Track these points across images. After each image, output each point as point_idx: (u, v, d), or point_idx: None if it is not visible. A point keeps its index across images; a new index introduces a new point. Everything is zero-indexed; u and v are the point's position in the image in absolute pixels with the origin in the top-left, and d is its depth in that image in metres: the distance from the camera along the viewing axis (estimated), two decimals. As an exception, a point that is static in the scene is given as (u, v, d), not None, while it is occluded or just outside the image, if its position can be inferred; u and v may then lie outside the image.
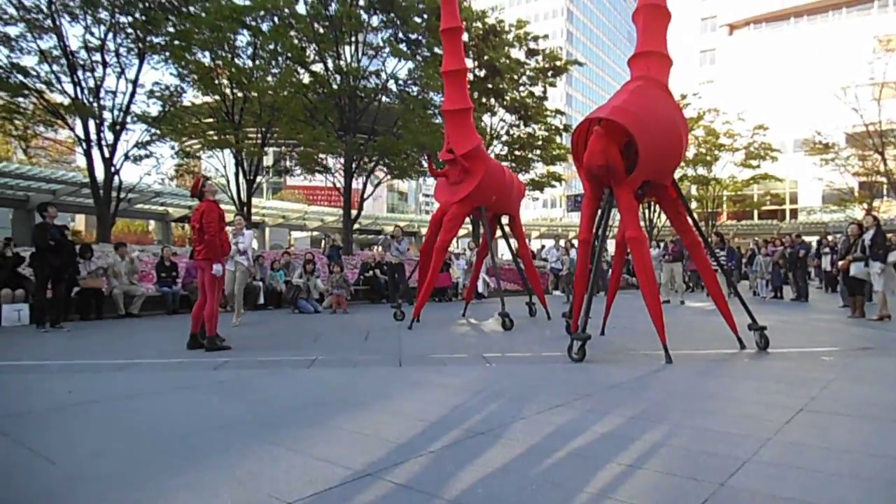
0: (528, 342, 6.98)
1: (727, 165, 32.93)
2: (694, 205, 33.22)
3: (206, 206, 6.37)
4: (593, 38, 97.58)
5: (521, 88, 23.13)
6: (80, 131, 14.90)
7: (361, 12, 18.10)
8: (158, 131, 15.93)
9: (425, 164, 21.71)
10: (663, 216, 29.09)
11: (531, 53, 22.81)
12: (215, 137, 17.39)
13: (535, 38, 22.72)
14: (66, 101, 14.70)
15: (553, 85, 24.04)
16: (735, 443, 2.91)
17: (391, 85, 19.68)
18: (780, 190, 45.71)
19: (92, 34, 14.43)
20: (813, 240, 20.64)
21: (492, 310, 10.20)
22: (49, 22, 13.75)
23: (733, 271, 15.85)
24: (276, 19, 16.97)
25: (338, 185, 20.70)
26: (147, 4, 14.69)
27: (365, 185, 20.92)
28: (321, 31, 18.04)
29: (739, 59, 51.21)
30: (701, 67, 53.53)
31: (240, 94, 17.20)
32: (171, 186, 27.14)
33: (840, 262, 10.32)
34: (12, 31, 13.72)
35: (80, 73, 14.43)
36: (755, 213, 46.64)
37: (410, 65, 19.36)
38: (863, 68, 29.72)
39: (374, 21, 18.75)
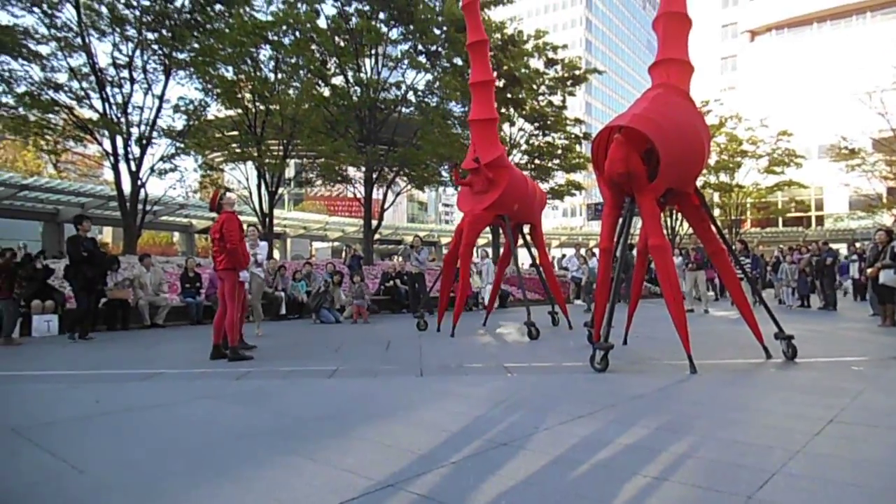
0: (549, 352, 6.92)
1: (750, 172, 32.44)
2: (717, 212, 32.75)
3: (226, 216, 6.48)
4: (612, 46, 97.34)
5: (541, 98, 23.12)
6: (108, 146, 15.28)
7: (381, 25, 18.31)
8: (183, 145, 16.27)
9: (446, 175, 21.84)
10: (685, 224, 28.75)
11: (550, 63, 22.82)
12: (238, 150, 17.71)
13: (555, 48, 22.73)
14: (95, 117, 15.11)
15: (572, 94, 24.01)
16: (763, 455, 2.84)
17: (410, 96, 19.83)
18: (805, 196, 44.84)
19: (120, 51, 14.85)
20: (841, 247, 20.20)
21: (510, 319, 10.16)
22: (79, 40, 14.18)
23: (758, 279, 15.58)
24: (297, 34, 17.26)
25: (358, 195, 20.88)
26: (173, 21, 15.07)
27: (385, 195, 21.06)
28: (342, 44, 18.29)
29: (761, 66, 50.58)
30: (722, 74, 52.98)
31: (262, 108, 17.50)
32: (195, 199, 27.66)
33: (869, 270, 10.07)
34: (44, 49, 14.19)
35: (108, 89, 14.83)
36: (780, 220, 45.79)
37: (429, 76, 19.50)
38: (888, 73, 29.10)
39: (394, 34, 18.96)
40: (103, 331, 9.31)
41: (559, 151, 23.74)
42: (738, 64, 53.08)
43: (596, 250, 10.14)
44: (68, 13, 14.04)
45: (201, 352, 6.46)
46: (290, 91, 17.93)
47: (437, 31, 18.44)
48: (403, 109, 20.15)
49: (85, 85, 14.76)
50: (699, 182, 6.47)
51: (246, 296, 7.68)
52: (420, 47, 19.08)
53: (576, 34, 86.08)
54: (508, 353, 6.92)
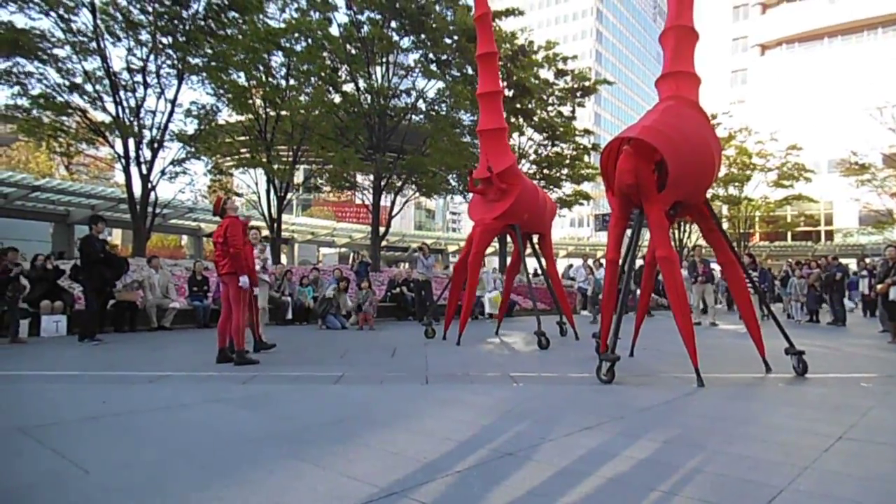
0: (556, 362, 6.89)
1: (759, 186, 32.30)
2: (725, 225, 32.59)
3: (230, 221, 6.53)
4: (622, 58, 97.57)
5: (550, 108, 23.19)
6: (120, 149, 15.43)
7: (393, 34, 18.45)
8: (193, 149, 16.40)
9: (454, 183, 21.89)
10: (693, 236, 28.64)
11: (560, 74, 22.91)
12: (248, 155, 17.85)
13: (564, 59, 22.82)
14: (108, 120, 15.27)
15: (581, 105, 24.07)
16: (772, 470, 2.81)
17: (420, 104, 19.93)
18: (814, 211, 44.57)
19: (134, 55, 15.02)
20: (851, 262, 20.05)
21: (516, 328, 10.13)
22: (94, 44, 14.36)
23: (766, 293, 15.46)
24: (309, 41, 17.41)
25: (366, 202, 20.97)
26: (187, 26, 15.24)
27: (393, 202, 21.13)
28: (353, 52, 18.43)
29: (771, 79, 50.49)
30: (732, 87, 52.92)
31: (272, 113, 17.64)
32: (204, 203, 27.85)
33: (879, 286, 9.98)
34: (59, 53, 14.37)
35: (121, 93, 15.00)
36: (789, 234, 45.51)
37: (440, 84, 19.59)
38: (900, 87, 28.99)
39: (405, 42, 19.09)
40: (111, 332, 9.35)
41: (567, 162, 23.76)
42: (748, 77, 53.01)
43: (603, 261, 10.13)
44: (84, 17, 14.24)
45: (208, 355, 6.48)
46: (301, 97, 18.07)
47: (448, 41, 18.55)
48: (413, 117, 20.25)
49: (99, 88, 14.93)
50: (708, 194, 6.44)
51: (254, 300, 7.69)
52: (431, 56, 19.20)
53: (586, 45, 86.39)
54: (514, 363, 6.90)
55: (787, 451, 3.20)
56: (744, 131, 31.58)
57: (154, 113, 15.69)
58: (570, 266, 19.62)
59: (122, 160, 15.41)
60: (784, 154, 31.53)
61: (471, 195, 22.68)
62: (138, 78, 15.16)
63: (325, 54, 17.86)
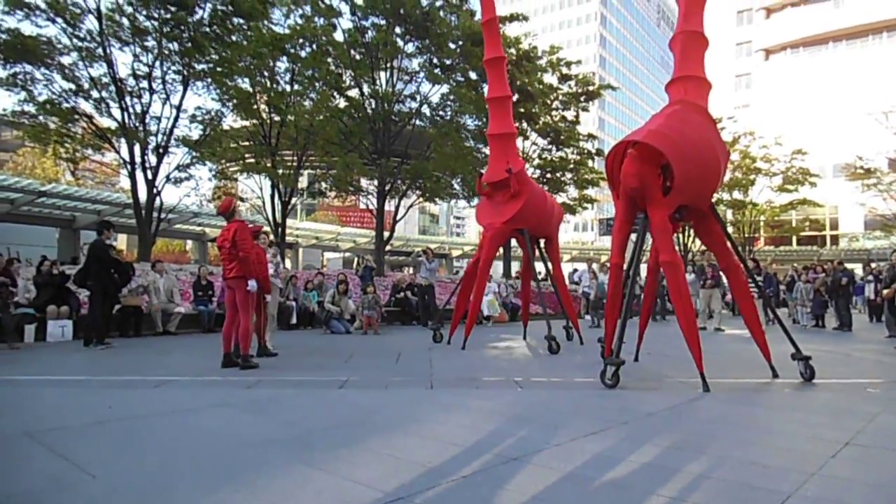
0: (560, 367, 6.88)
1: (764, 190, 32.22)
2: (730, 229, 32.47)
3: (238, 225, 6.54)
4: (626, 63, 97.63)
5: (554, 113, 23.21)
6: (125, 154, 15.51)
7: (397, 39, 18.50)
8: (199, 154, 16.47)
9: (458, 187, 21.90)
10: (697, 241, 28.53)
11: (564, 78, 22.95)
12: (252, 161, 17.90)
13: (569, 64, 22.87)
14: (114, 126, 15.37)
15: (585, 110, 24.09)
16: (779, 476, 2.80)
17: (424, 109, 19.98)
18: (819, 215, 44.39)
19: (140, 61, 15.11)
20: (856, 267, 19.92)
21: (520, 332, 10.10)
22: (100, 50, 14.46)
23: (771, 298, 15.40)
24: (314, 46, 17.49)
25: (371, 206, 21.00)
26: (192, 33, 15.33)
27: (397, 207, 21.16)
28: (357, 57, 18.50)
29: (776, 84, 50.39)
30: (736, 91, 52.83)
31: (277, 119, 17.72)
32: (208, 207, 27.94)
33: (885, 291, 9.94)
34: (66, 59, 14.47)
35: (127, 98, 15.09)
36: (794, 238, 45.32)
37: (444, 89, 19.63)
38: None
39: (409, 48, 19.14)
40: (116, 337, 9.37)
41: (571, 166, 23.76)
42: (753, 82, 52.94)
43: (608, 264, 10.10)
44: (90, 23, 14.34)
45: (213, 360, 6.49)
46: (306, 103, 18.14)
47: (452, 46, 18.60)
48: (417, 122, 20.29)
49: (105, 94, 15.03)
50: (713, 198, 6.44)
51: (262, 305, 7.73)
52: (435, 61, 19.25)
53: (590, 50, 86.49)
54: (519, 367, 6.89)
55: (793, 456, 3.18)
56: (748, 136, 31.54)
57: (159, 118, 15.79)
58: (575, 271, 19.60)
59: (128, 165, 15.50)
60: (789, 158, 31.45)
61: (475, 200, 22.73)
62: (144, 84, 15.25)
63: (329, 60, 17.94)
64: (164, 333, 10.11)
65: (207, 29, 15.59)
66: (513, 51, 20.69)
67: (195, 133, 16.82)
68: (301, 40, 17.27)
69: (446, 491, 2.57)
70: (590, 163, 24.82)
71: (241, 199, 24.11)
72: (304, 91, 18.12)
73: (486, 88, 20.78)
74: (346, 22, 18.74)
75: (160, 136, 15.74)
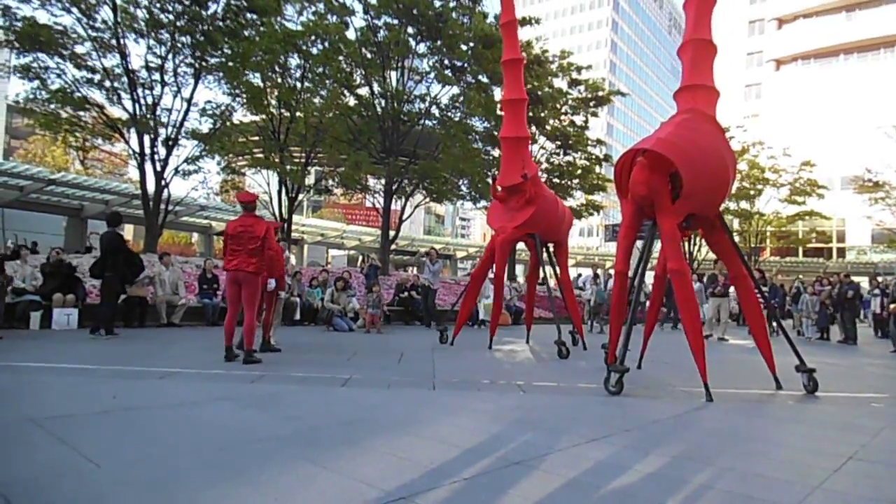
0: (564, 372, 6.87)
1: (771, 201, 32.12)
2: (736, 239, 32.38)
3: (269, 224, 6.58)
4: (636, 69, 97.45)
5: (563, 117, 23.19)
6: (135, 145, 15.57)
7: (409, 39, 18.52)
8: (207, 147, 16.53)
9: (465, 189, 21.91)
10: (703, 249, 28.45)
11: (574, 83, 22.93)
12: (261, 156, 17.95)
13: (579, 69, 22.84)
14: (125, 117, 15.44)
15: (595, 115, 24.06)
16: (782, 489, 2.79)
17: (434, 110, 19.99)
18: (826, 227, 44.21)
19: (154, 54, 15.18)
20: (863, 280, 19.87)
21: (524, 336, 10.09)
22: (114, 41, 14.54)
23: (777, 309, 15.34)
24: (326, 44, 17.53)
25: (377, 205, 21.02)
26: (206, 26, 15.39)
27: (404, 206, 21.17)
28: (369, 56, 18.53)
29: (786, 94, 50.21)
30: (746, 101, 52.65)
31: (286, 114, 17.76)
32: (216, 201, 28.00)
33: (891, 306, 9.89)
34: (79, 49, 14.54)
35: (139, 90, 15.16)
36: (800, 250, 45.12)
37: (455, 90, 19.64)
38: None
39: (421, 48, 19.15)
40: (120, 327, 9.41)
41: (579, 171, 23.73)
42: (763, 92, 52.75)
43: (612, 271, 10.11)
44: (105, 14, 14.42)
45: (216, 352, 6.51)
46: (316, 100, 18.18)
47: (464, 47, 18.60)
48: (426, 122, 20.31)
49: (117, 85, 15.10)
50: (720, 208, 6.43)
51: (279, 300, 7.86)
52: (446, 62, 19.26)
53: (600, 56, 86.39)
54: (522, 371, 6.88)
55: (796, 469, 3.17)
56: (757, 145, 31.44)
57: (170, 111, 15.84)
58: (579, 276, 19.58)
59: (137, 156, 15.56)
60: (797, 170, 31.34)
61: (482, 202, 22.70)
62: (156, 76, 15.31)
63: (340, 58, 17.96)
64: (169, 325, 10.15)
65: (221, 23, 15.64)
66: (524, 54, 20.65)
67: (205, 126, 16.89)
68: (313, 37, 17.30)
69: (448, 493, 2.57)
70: (597, 168, 24.78)
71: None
72: (314, 88, 18.16)
73: (496, 91, 20.91)
74: (358, 21, 18.88)
75: (170, 129, 15.82)
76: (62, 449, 2.98)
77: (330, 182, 22.08)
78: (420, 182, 20.09)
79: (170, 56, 15.27)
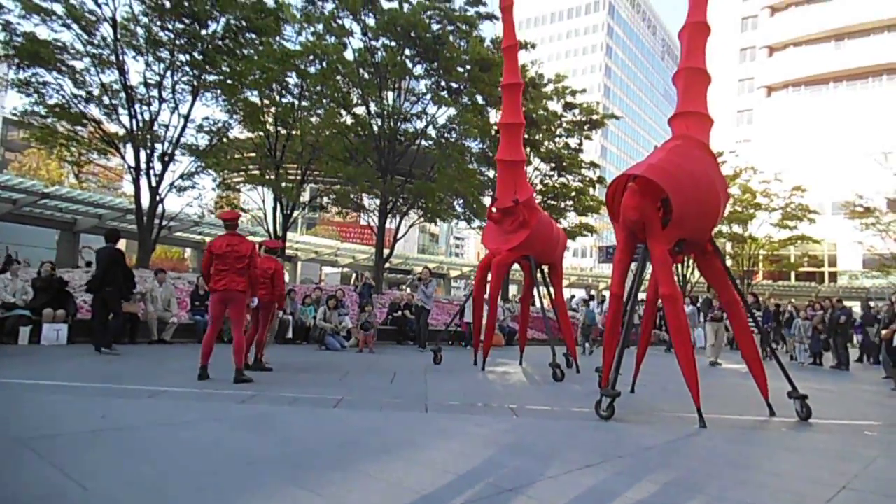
0: (556, 395, 6.84)
1: (763, 225, 32.40)
2: (729, 262, 32.59)
3: (253, 243, 6.61)
4: (630, 93, 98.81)
5: (558, 139, 23.44)
6: (131, 160, 15.56)
7: (406, 61, 18.75)
8: (203, 164, 16.56)
9: (460, 208, 22.00)
10: (697, 272, 28.58)
11: (568, 106, 23.23)
12: (256, 172, 17.98)
13: (573, 92, 23.16)
14: (122, 132, 15.47)
15: (589, 138, 24.34)
16: (775, 520, 2.77)
17: (430, 130, 20.18)
18: (818, 252, 44.58)
19: (152, 70, 15.27)
20: (855, 305, 19.98)
21: (516, 357, 10.06)
22: (113, 58, 14.63)
23: (770, 333, 15.38)
24: (324, 64, 17.71)
25: (372, 223, 21.05)
26: (205, 45, 15.54)
27: (398, 225, 21.22)
28: (366, 76, 18.73)
29: (777, 120, 50.98)
30: (738, 126, 53.40)
31: (283, 132, 17.86)
32: (210, 217, 27.98)
33: (883, 332, 9.94)
34: (78, 64, 14.62)
35: (136, 106, 15.21)
36: (792, 274, 45.41)
37: (451, 111, 19.85)
38: (904, 134, 29.28)
39: (418, 69, 19.39)
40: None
41: (573, 193, 23.92)
42: (754, 117, 53.55)
43: (605, 293, 10.14)
44: (105, 31, 14.53)
45: (210, 371, 6.44)
46: (313, 118, 18.31)
47: (460, 70, 18.84)
48: (422, 142, 20.47)
49: (115, 101, 15.15)
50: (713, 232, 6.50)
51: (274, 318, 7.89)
52: (443, 83, 19.48)
53: (595, 79, 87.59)
54: (515, 394, 6.85)
55: (790, 498, 3.16)
56: (749, 170, 31.80)
57: (167, 127, 15.89)
58: (573, 297, 19.61)
59: (133, 171, 15.55)
60: (788, 194, 31.69)
61: (476, 221, 22.74)
62: (154, 92, 15.39)
63: (338, 77, 18.15)
64: (159, 342, 10.06)
65: (220, 42, 15.79)
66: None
67: (202, 142, 16.94)
68: (311, 57, 17.49)
69: (440, 520, 2.54)
70: (591, 190, 24.99)
71: (244, 210, 24.20)
72: (311, 106, 18.30)
73: (492, 113, 21.08)
74: (356, 42, 19.02)
75: (167, 144, 15.85)
76: (48, 470, 2.93)
77: (325, 199, 22.14)
78: (416, 201, 20.18)
79: (168, 73, 15.37)
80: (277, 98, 17.82)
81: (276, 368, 7.43)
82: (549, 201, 23.66)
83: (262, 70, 15.86)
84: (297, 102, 18.13)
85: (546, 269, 9.84)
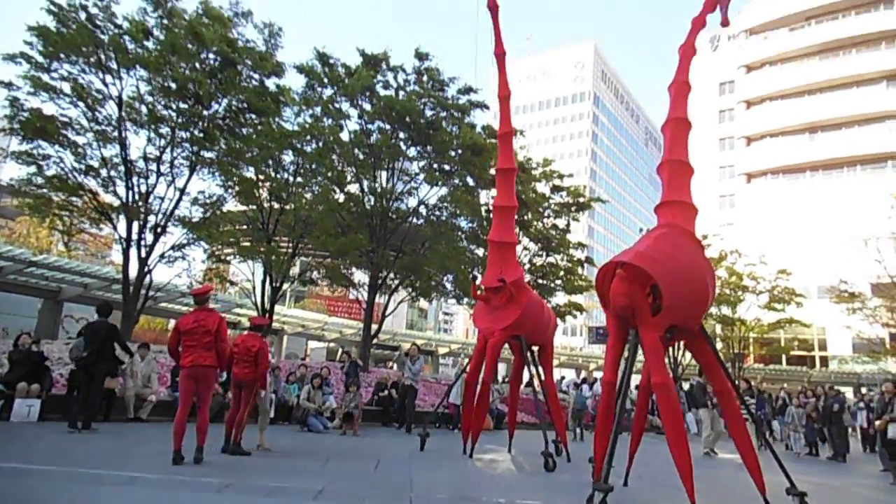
0: (547, 487, 6.57)
1: (751, 307, 32.61)
2: (720, 345, 32.52)
3: (220, 317, 6.57)
4: (615, 177, 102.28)
5: (546, 220, 23.95)
6: (122, 230, 15.62)
7: (400, 143, 19.42)
8: (196, 236, 16.64)
9: (450, 286, 22.04)
10: (689, 354, 28.41)
11: (556, 189, 23.92)
12: (247, 244, 18.04)
13: (561, 176, 23.94)
14: (117, 203, 15.63)
15: (576, 219, 24.89)
16: None
17: (421, 209, 20.58)
18: (807, 335, 44.65)
19: (153, 145, 15.64)
20: (847, 390, 19.81)
21: (505, 443, 9.73)
22: (115, 133, 15.04)
23: (763, 421, 15.07)
24: (320, 143, 18.29)
25: (361, 298, 20.95)
26: (206, 123, 16.06)
27: (388, 302, 21.12)
28: (361, 156, 19.30)
29: (758, 206, 52.55)
30: (721, 211, 54.94)
31: (276, 206, 18.13)
32: (197, 288, 27.73)
33: (877, 423, 9.79)
34: (80, 139, 14.96)
35: (134, 178, 15.47)
36: (783, 357, 45.21)
37: (443, 191, 20.34)
38: (882, 222, 30.22)
39: (412, 152, 20.04)
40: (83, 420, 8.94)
41: (562, 273, 24.14)
42: (737, 202, 55.22)
43: (597, 374, 9.98)
44: (110, 108, 15.02)
45: (183, 453, 6.15)
46: (307, 195, 18.66)
47: (452, 153, 19.50)
48: (414, 220, 20.81)
49: (113, 173, 15.40)
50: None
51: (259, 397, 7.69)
52: (435, 165, 20.10)
53: (581, 163, 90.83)
54: (504, 486, 6.57)
55: None
56: (734, 253, 32.39)
57: (162, 199, 16.10)
58: (562, 378, 19.32)
59: (123, 241, 15.56)
60: (774, 278, 32.13)
61: (465, 299, 22.72)
62: (153, 166, 15.70)
63: (334, 156, 18.69)
64: (135, 419, 9.66)
65: (221, 122, 16.34)
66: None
67: (195, 215, 17.11)
68: (308, 137, 18.09)
69: None
70: (579, 270, 25.23)
71: (232, 283, 24.07)
72: (306, 182, 18.71)
73: (482, 194, 21.63)
74: (352, 124, 19.73)
75: (160, 216, 15.98)
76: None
77: (315, 274, 22.13)
78: (406, 277, 20.23)
79: (168, 148, 15.76)
80: (273, 174, 18.24)
81: (255, 452, 7.12)
82: (538, 280, 23.80)
83: (259, 147, 16.33)
84: (291, 179, 18.54)
85: (536, 349, 9.74)
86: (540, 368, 9.71)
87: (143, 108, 15.43)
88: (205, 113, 15.88)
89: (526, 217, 22.53)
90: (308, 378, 11.75)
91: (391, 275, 20.02)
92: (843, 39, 50.33)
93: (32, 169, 14.47)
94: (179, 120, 15.63)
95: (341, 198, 19.55)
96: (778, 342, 40.09)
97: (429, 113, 19.11)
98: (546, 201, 23.57)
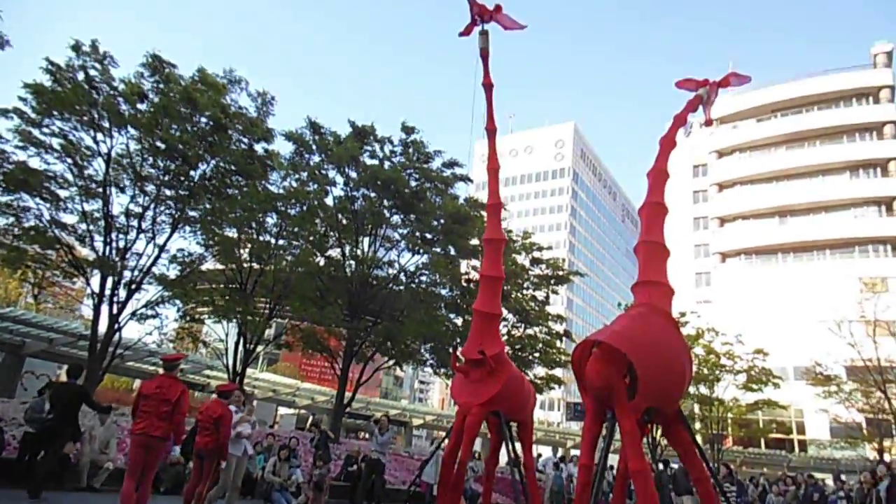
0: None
1: (729, 387, 32.48)
2: (697, 425, 32.10)
3: (184, 387, 6.41)
4: (594, 250, 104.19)
5: (525, 292, 24.07)
6: (95, 286, 15.28)
7: (384, 211, 19.70)
8: (170, 293, 16.34)
9: (427, 354, 21.70)
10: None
11: (535, 262, 24.23)
12: (222, 303, 17.69)
13: (540, 249, 24.32)
14: (93, 257, 15.36)
15: (555, 292, 25.08)
16: None
17: (401, 276, 20.61)
18: (785, 417, 44.43)
19: (136, 202, 15.59)
20: (827, 477, 19.51)
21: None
22: (100, 189, 15.00)
23: (742, 508, 14.70)
24: (304, 207, 18.45)
25: (335, 366, 20.48)
26: (191, 183, 16.14)
27: (363, 370, 20.65)
28: (344, 221, 19.48)
29: (733, 284, 53.57)
30: (697, 288, 55.86)
31: (256, 266, 17.99)
32: (168, 347, 26.94)
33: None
34: (63, 193, 14.88)
35: (113, 234, 15.31)
36: (762, 441, 44.73)
37: (424, 259, 20.46)
38: (853, 306, 30.93)
39: (395, 219, 20.32)
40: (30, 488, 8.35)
41: (540, 345, 24.02)
42: (712, 280, 56.30)
43: (574, 452, 9.70)
44: (98, 165, 15.06)
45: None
46: (288, 256, 18.61)
47: (434, 223, 19.79)
48: (393, 287, 20.78)
49: (92, 228, 15.24)
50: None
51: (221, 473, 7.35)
52: (418, 233, 20.34)
53: (560, 236, 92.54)
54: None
55: None
56: (711, 331, 32.59)
57: (140, 255, 15.88)
58: (539, 456, 18.79)
59: (95, 297, 15.18)
60: (751, 358, 32.23)
61: (442, 369, 22.37)
62: (134, 222, 15.59)
63: (317, 220, 18.84)
64: (88, 489, 9.07)
65: (207, 182, 16.46)
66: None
67: (172, 272, 16.86)
68: (293, 201, 18.26)
69: None
70: (558, 343, 25.14)
71: (204, 343, 23.43)
72: (287, 245, 18.72)
73: (462, 263, 21.78)
74: (338, 190, 20.04)
75: (136, 272, 15.71)
76: None
77: (291, 337, 21.69)
78: (382, 344, 19.92)
79: (152, 206, 15.72)
80: (255, 235, 18.23)
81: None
82: (517, 352, 23.61)
83: (243, 209, 16.40)
84: (273, 241, 18.54)
85: (515, 426, 9.49)
86: (518, 445, 9.45)
87: (130, 169, 15.42)
88: (192, 173, 16.00)
89: (505, 288, 22.63)
90: (275, 449, 11.26)
91: (367, 342, 19.72)
92: (808, 131, 53.50)
93: (10, 220, 14.29)
94: (166, 178, 15.70)
95: (322, 262, 19.53)
96: (756, 423, 39.75)
97: (413, 183, 19.53)
98: (526, 273, 23.79)
